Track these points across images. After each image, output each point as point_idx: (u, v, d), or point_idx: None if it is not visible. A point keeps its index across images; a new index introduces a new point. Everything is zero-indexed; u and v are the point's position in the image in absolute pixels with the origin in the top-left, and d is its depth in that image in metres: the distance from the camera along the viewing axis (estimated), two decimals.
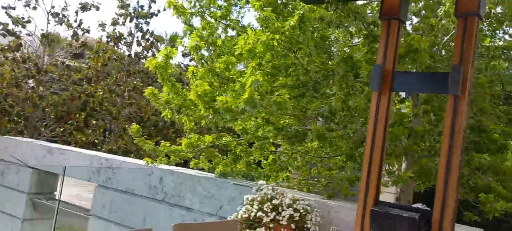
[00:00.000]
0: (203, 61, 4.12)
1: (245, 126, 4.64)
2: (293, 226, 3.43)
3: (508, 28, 4.37)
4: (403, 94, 5.37)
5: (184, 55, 15.12)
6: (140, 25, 15.59)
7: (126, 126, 14.96)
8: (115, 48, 15.73)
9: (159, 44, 16.10)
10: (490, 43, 3.99)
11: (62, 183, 6.43)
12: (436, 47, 3.85)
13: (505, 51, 3.96)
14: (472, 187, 4.19)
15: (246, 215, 3.47)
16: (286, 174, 6.05)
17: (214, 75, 4.13)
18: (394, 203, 2.96)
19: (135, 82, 15.53)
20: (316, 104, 4.47)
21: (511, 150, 5.00)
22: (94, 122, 15.06)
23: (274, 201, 3.48)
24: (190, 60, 15.47)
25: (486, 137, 4.18)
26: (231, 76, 4.15)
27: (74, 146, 12.56)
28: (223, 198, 4.81)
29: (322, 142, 4.11)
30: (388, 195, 7.31)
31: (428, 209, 2.99)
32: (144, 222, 5.68)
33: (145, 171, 5.77)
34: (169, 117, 5.03)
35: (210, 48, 4.73)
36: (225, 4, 4.85)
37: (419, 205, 5.88)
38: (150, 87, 4.89)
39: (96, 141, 15.62)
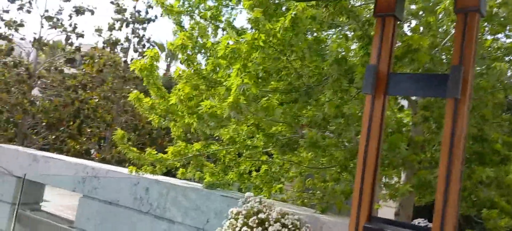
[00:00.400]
0: (189, 62, 3.93)
1: (232, 135, 4.42)
2: None
3: (510, 33, 4.18)
4: (404, 102, 5.16)
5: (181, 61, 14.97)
6: (137, 30, 15.47)
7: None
8: (112, 53, 15.59)
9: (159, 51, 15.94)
10: (492, 46, 3.80)
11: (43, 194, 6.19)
12: (436, 48, 3.66)
13: (507, 54, 3.77)
14: (474, 202, 3.96)
15: (230, 230, 3.24)
16: (279, 185, 5.82)
17: (201, 78, 3.93)
18: (390, 220, 2.72)
19: (131, 89, 15.35)
20: (310, 112, 4.27)
21: None
22: (89, 130, 14.87)
23: (260, 215, 3.25)
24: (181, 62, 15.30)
25: (488, 147, 3.96)
26: (219, 79, 3.94)
27: (66, 155, 12.35)
28: (210, 210, 4.58)
29: (315, 151, 3.90)
30: (388, 209, 7.05)
31: (429, 225, 2.76)
32: None
33: (131, 180, 5.55)
34: (156, 122, 4.82)
35: (199, 50, 4.53)
36: (216, 3, 4.67)
37: (420, 221, 5.62)
38: (135, 91, 4.68)
39: (91, 149, 15.41)
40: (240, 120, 3.68)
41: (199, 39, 4.49)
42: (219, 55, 3.46)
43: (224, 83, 3.51)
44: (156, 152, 5.06)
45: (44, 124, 13.59)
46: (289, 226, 3.26)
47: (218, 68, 4.00)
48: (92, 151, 15.55)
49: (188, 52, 3.93)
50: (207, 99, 3.82)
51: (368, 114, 2.90)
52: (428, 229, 2.57)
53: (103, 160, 13.67)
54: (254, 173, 5.20)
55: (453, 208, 2.48)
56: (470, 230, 4.35)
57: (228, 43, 3.42)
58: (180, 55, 4.04)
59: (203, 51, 4.53)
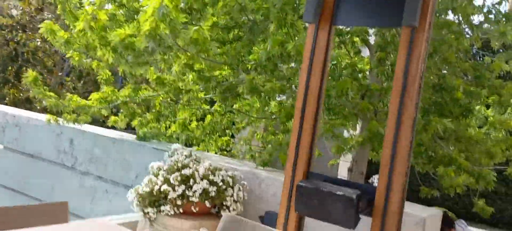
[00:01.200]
0: None
1: (160, 75, 3.87)
2: (208, 203, 2.79)
3: None
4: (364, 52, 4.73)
5: None
6: None
7: (67, 81, 13.80)
8: None
9: None
10: None
11: None
12: None
13: None
14: (431, 157, 3.68)
15: (148, 189, 2.79)
16: (226, 138, 5.39)
17: (119, 6, 3.31)
18: (331, 177, 2.34)
19: None
20: (257, 54, 3.77)
21: (476, 115, 4.54)
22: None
23: (185, 171, 2.80)
24: None
25: (448, 97, 3.63)
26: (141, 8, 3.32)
27: (4, 103, 11.37)
28: (139, 165, 4.11)
29: (257, 98, 3.44)
30: (346, 164, 6.84)
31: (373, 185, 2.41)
32: (52, 192, 4.91)
33: (53, 130, 4.95)
34: (76, 60, 4.18)
35: None
36: None
37: (375, 178, 5.29)
38: (48, 22, 3.98)
39: (33, 97, 14.35)
40: (166, 55, 3.13)
41: None
42: None
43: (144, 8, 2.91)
44: (79, 98, 4.46)
45: None
46: (219, 184, 2.84)
47: None
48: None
49: None
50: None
51: (309, 48, 2.44)
52: (373, 188, 2.22)
53: (45, 110, 12.76)
54: (194, 124, 4.72)
55: (402, 164, 2.12)
56: (426, 188, 4.11)
57: None
58: None
59: None
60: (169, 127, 5.08)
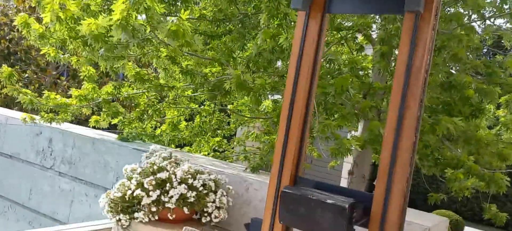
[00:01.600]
0: None
1: (140, 71, 3.62)
2: (186, 210, 2.54)
3: None
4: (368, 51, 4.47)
5: None
6: None
7: (62, 80, 13.63)
8: None
9: None
10: None
11: None
12: None
13: None
14: (437, 160, 3.41)
15: (120, 194, 2.54)
16: (218, 139, 5.15)
17: None
18: (324, 183, 2.06)
19: None
20: (249, 50, 3.53)
21: (487, 115, 4.27)
22: (25, 75, 13.58)
23: (160, 175, 2.55)
24: None
25: (457, 96, 3.37)
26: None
27: None
28: (119, 167, 3.86)
29: (245, 94, 3.19)
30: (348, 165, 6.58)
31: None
32: (29, 195, 4.68)
33: (32, 130, 4.72)
34: (52, 56, 3.95)
35: None
36: None
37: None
38: (23, 14, 3.75)
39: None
40: (144, 48, 2.88)
41: None
42: None
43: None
44: (59, 96, 4.22)
45: None
46: (199, 189, 2.59)
47: None
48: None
49: None
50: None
51: (299, 39, 2.18)
52: (370, 196, 1.96)
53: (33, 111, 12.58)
54: (183, 124, 4.47)
55: (403, 169, 1.85)
56: (435, 193, 3.83)
57: None
58: None
59: None
60: (158, 127, 4.85)
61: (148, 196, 2.50)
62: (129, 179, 2.66)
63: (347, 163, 6.70)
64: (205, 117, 4.47)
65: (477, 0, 3.35)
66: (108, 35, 2.66)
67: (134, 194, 2.51)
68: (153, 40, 2.92)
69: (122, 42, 2.66)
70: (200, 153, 5.25)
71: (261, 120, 4.91)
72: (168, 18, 3.33)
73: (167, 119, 4.67)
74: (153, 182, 2.53)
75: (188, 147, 5.30)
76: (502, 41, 4.13)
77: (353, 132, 4.73)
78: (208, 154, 5.31)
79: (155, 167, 2.64)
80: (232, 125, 4.88)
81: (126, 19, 2.36)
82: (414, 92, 1.87)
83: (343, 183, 7.74)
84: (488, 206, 3.90)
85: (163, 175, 2.55)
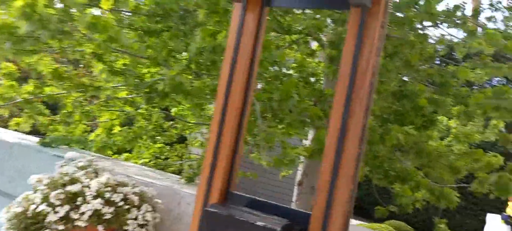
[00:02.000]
0: None
1: (56, 67, 3.24)
2: (101, 228, 2.20)
3: None
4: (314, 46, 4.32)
5: None
6: None
7: None
8: None
9: None
10: None
11: None
12: None
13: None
14: (387, 172, 3.28)
15: (21, 210, 2.17)
16: (159, 145, 4.80)
17: None
18: (259, 200, 1.82)
19: None
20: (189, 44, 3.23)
21: (439, 126, 4.22)
22: None
23: (70, 188, 2.21)
24: None
25: (409, 106, 3.25)
26: None
27: None
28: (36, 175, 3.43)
29: (183, 97, 2.91)
30: None
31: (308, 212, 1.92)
32: None
33: None
34: None
35: None
36: None
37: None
38: None
39: None
40: (62, 42, 2.53)
41: None
42: None
43: None
44: None
45: None
46: (118, 203, 2.26)
47: None
48: None
49: None
50: None
51: (234, 34, 1.94)
52: (307, 215, 1.74)
53: None
54: (117, 128, 4.10)
55: (345, 184, 1.64)
56: (381, 207, 3.70)
57: None
58: None
59: None
60: (93, 132, 4.44)
61: (55, 212, 2.15)
62: (35, 191, 2.29)
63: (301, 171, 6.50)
64: (144, 121, 4.13)
65: (430, 7, 3.27)
66: (14, 26, 2.30)
67: (38, 210, 2.15)
68: (74, 34, 2.57)
69: (33, 35, 2.31)
70: (140, 160, 4.89)
71: (206, 125, 4.62)
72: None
73: (101, 123, 4.28)
74: (62, 196, 2.18)
75: (127, 154, 4.91)
76: (453, 53, 4.12)
77: (303, 141, 4.56)
78: (149, 161, 4.96)
79: (67, 178, 2.29)
80: (174, 131, 4.56)
81: (31, 7, 2.01)
82: (360, 97, 1.66)
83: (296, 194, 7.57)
84: (437, 221, 3.83)
85: (74, 188, 2.21)
